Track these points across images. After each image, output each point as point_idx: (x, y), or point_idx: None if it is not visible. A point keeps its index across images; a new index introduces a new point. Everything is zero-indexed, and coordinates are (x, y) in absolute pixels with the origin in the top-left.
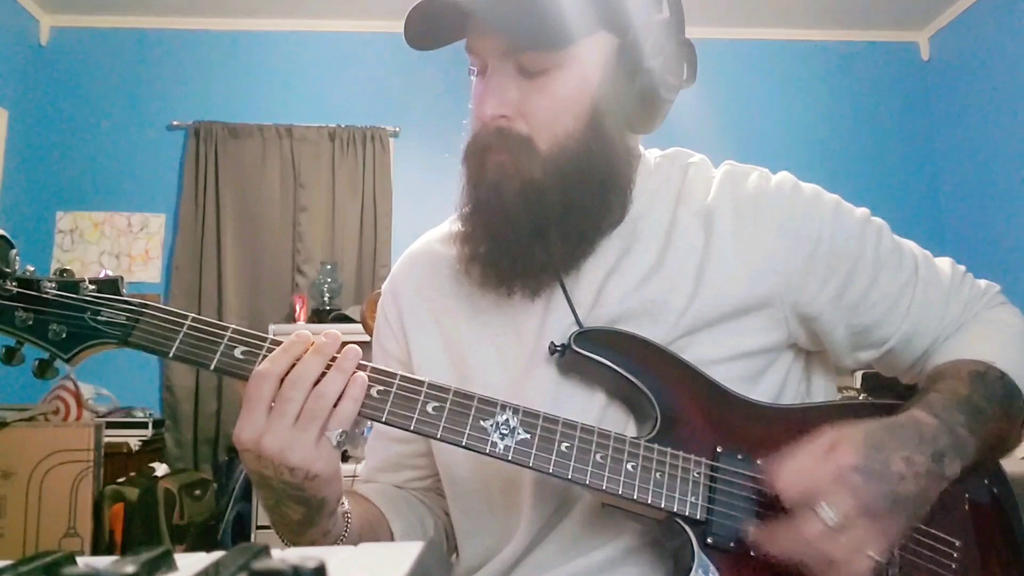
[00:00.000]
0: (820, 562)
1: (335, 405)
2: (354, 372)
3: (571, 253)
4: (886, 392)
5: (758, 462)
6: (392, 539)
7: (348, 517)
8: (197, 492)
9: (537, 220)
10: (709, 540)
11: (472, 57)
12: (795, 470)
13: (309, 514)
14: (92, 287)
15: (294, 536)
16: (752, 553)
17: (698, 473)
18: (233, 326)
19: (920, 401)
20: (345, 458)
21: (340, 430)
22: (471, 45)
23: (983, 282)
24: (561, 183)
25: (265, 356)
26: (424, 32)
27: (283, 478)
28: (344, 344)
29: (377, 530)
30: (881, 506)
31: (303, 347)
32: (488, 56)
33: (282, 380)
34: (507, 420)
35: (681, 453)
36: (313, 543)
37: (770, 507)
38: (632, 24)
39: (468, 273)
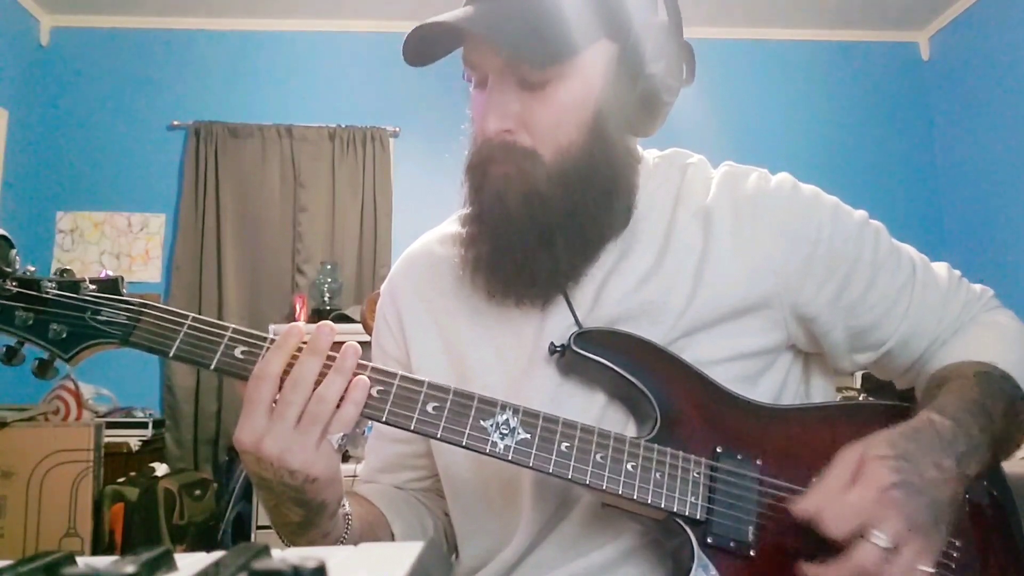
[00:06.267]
0: None
1: (337, 408)
2: (355, 374)
3: (577, 261)
4: (885, 392)
5: (758, 462)
6: (393, 540)
7: (348, 519)
8: (197, 492)
9: (542, 227)
10: (709, 540)
11: (470, 70)
12: (836, 503)
13: (309, 516)
14: (92, 287)
15: (294, 537)
16: (752, 553)
17: (698, 473)
18: (233, 326)
19: (932, 404)
20: (345, 458)
21: (341, 433)
22: (469, 58)
23: (978, 286)
24: (566, 191)
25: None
26: (422, 51)
27: (283, 480)
28: (340, 345)
29: (378, 531)
30: (926, 518)
31: (297, 341)
32: (488, 70)
33: (281, 380)
34: (507, 420)
35: (681, 453)
36: (312, 544)
37: (771, 507)
38: (631, 29)
39: (473, 283)
